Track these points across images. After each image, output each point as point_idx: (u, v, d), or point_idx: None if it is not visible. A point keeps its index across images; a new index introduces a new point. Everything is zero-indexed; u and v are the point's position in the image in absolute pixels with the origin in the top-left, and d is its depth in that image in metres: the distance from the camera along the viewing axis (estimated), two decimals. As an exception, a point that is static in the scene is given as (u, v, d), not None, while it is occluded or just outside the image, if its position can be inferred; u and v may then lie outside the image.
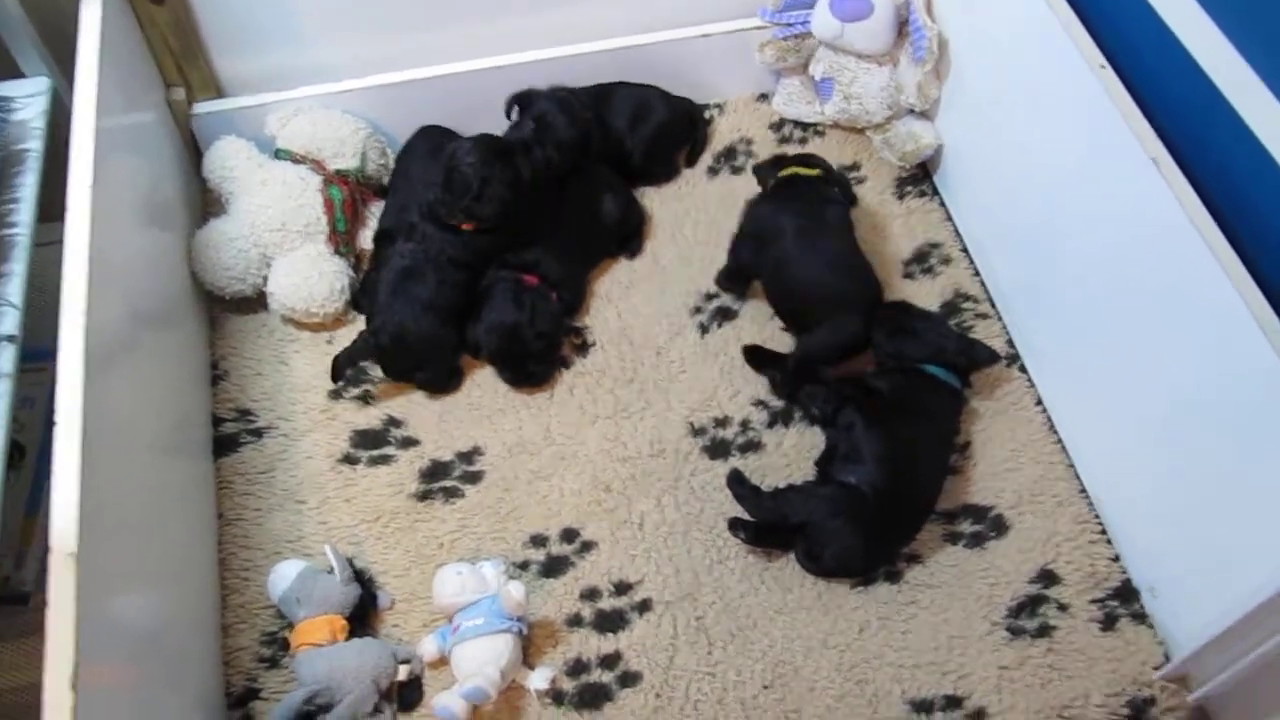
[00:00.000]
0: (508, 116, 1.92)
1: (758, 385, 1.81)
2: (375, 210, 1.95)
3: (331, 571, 1.56)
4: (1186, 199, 1.42)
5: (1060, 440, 1.75)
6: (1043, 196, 1.74)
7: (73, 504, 1.16)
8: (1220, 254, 1.37)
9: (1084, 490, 1.70)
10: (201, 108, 1.93)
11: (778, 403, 1.79)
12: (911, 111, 2.01)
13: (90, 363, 1.27)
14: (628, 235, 1.96)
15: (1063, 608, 1.60)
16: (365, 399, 1.79)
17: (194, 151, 1.95)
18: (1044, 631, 1.58)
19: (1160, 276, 1.48)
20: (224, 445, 1.74)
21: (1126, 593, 1.61)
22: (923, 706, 1.52)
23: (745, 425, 1.77)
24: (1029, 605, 1.60)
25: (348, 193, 1.86)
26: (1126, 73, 1.56)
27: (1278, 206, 1.38)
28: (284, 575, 1.57)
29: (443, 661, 1.54)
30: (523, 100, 1.90)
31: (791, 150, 2.04)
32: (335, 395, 1.79)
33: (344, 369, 1.76)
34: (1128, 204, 1.52)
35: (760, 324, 1.88)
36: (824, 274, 1.77)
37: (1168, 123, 1.52)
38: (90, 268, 1.33)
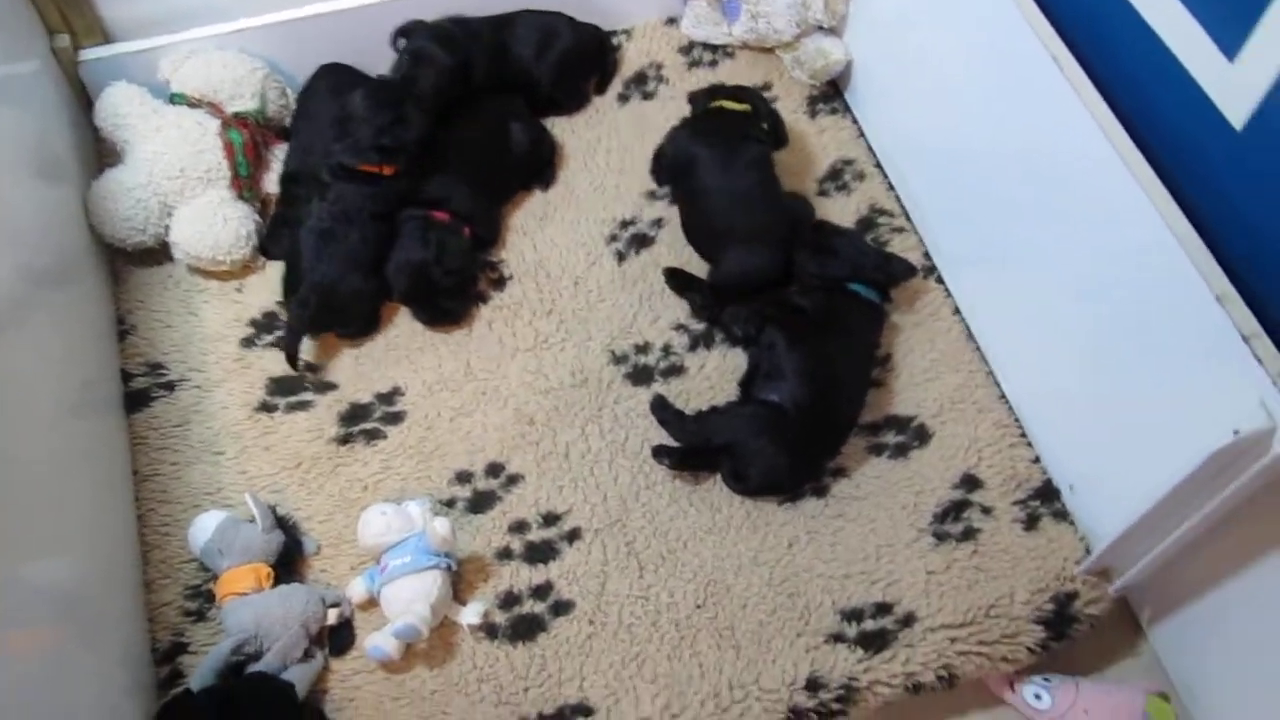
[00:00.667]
0: (394, 49, 1.88)
1: (678, 310, 1.80)
2: (278, 153, 1.89)
3: (253, 521, 1.53)
4: (1087, 95, 1.43)
5: (979, 348, 1.77)
6: (950, 107, 1.74)
7: (-45, 468, 1.12)
8: (1123, 150, 1.39)
9: (1003, 396, 1.73)
10: (89, 54, 1.86)
11: (698, 326, 1.78)
12: (820, 28, 2.00)
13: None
14: (539, 166, 1.94)
15: (986, 510, 1.63)
16: (279, 345, 1.75)
17: (85, 100, 1.88)
18: (969, 535, 1.60)
19: (1066, 176, 1.50)
20: (136, 400, 1.70)
21: (1047, 492, 1.64)
22: (853, 615, 1.54)
23: (667, 350, 1.76)
24: (953, 510, 1.63)
25: (248, 136, 1.81)
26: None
27: (1177, 102, 1.39)
28: (204, 527, 1.54)
29: (372, 603, 1.52)
30: (405, 32, 1.87)
31: (702, 72, 2.03)
32: (248, 343, 1.76)
33: (295, 352, 1.71)
34: (1032, 106, 1.53)
35: (677, 250, 1.86)
36: (730, 207, 1.76)
37: (1069, 23, 1.53)
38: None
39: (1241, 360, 1.25)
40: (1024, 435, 1.69)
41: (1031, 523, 1.62)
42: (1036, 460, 1.67)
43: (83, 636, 1.36)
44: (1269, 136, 1.29)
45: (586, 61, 2.02)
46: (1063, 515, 1.62)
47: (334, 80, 1.91)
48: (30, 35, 1.76)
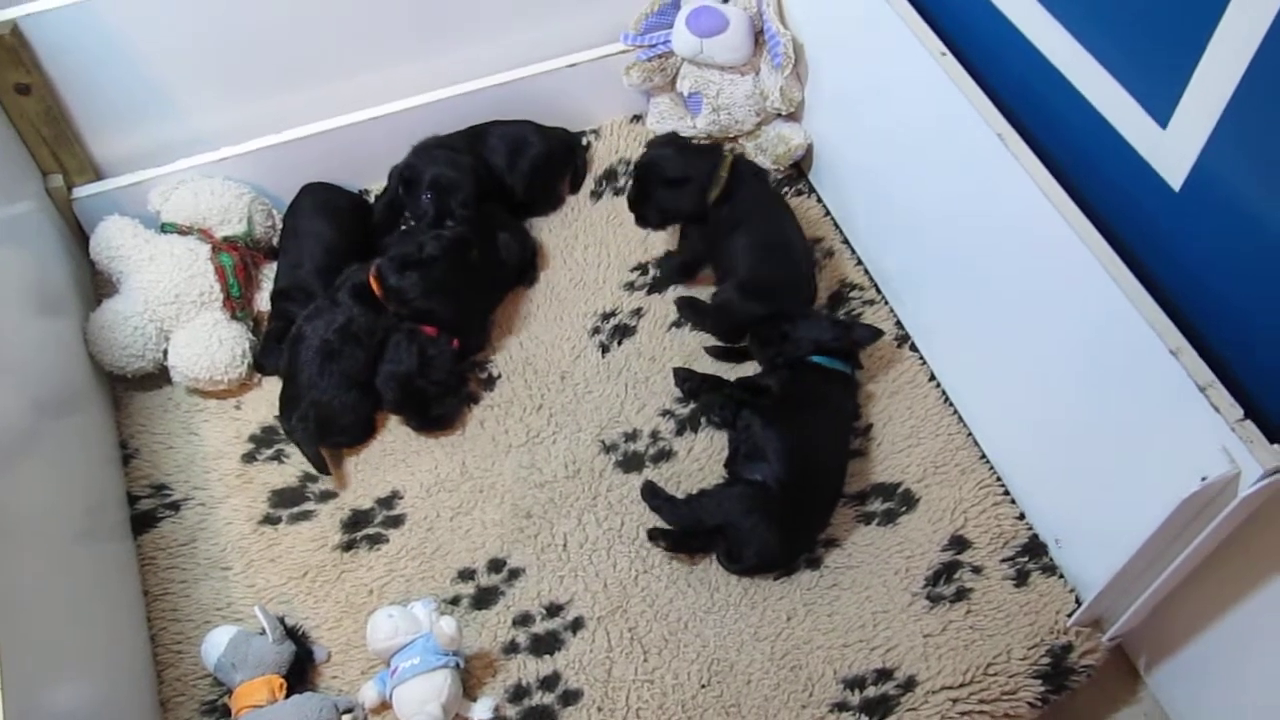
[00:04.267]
0: (390, 208, 1.96)
1: (663, 396, 1.86)
2: (268, 271, 1.96)
3: (264, 633, 1.56)
4: (1033, 168, 1.50)
5: (956, 411, 1.83)
6: (908, 182, 1.82)
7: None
8: (1070, 218, 1.46)
9: (984, 456, 1.78)
10: (81, 191, 1.93)
11: (684, 410, 1.84)
12: (779, 115, 2.09)
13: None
14: (523, 267, 2.00)
15: (976, 570, 1.67)
16: (279, 458, 1.80)
17: (80, 235, 1.95)
18: (961, 595, 1.64)
19: (1020, 245, 1.57)
20: (142, 522, 1.74)
21: (1035, 548, 1.68)
22: (856, 683, 1.57)
23: (655, 436, 1.82)
24: (945, 572, 1.66)
25: (238, 258, 1.88)
26: (968, 56, 1.65)
27: (1119, 168, 1.47)
28: (216, 643, 1.57)
29: (385, 706, 1.55)
30: (407, 175, 1.93)
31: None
32: (249, 458, 1.81)
33: (318, 459, 1.76)
34: (981, 180, 1.61)
35: (658, 338, 1.93)
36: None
37: (1012, 100, 1.61)
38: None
39: (1201, 410, 1.31)
40: (1007, 493, 1.74)
41: (1022, 579, 1.65)
42: (1021, 517, 1.71)
43: (104, 760, 1.39)
44: (1205, 195, 1.36)
45: (557, 165, 2.10)
46: (1051, 569, 1.66)
47: (317, 198, 1.99)
48: (25, 176, 1.84)
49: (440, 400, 1.80)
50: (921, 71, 1.66)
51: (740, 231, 1.87)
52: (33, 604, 1.34)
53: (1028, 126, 1.58)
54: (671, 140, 1.96)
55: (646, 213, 1.94)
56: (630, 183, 1.96)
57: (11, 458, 1.44)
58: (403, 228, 1.99)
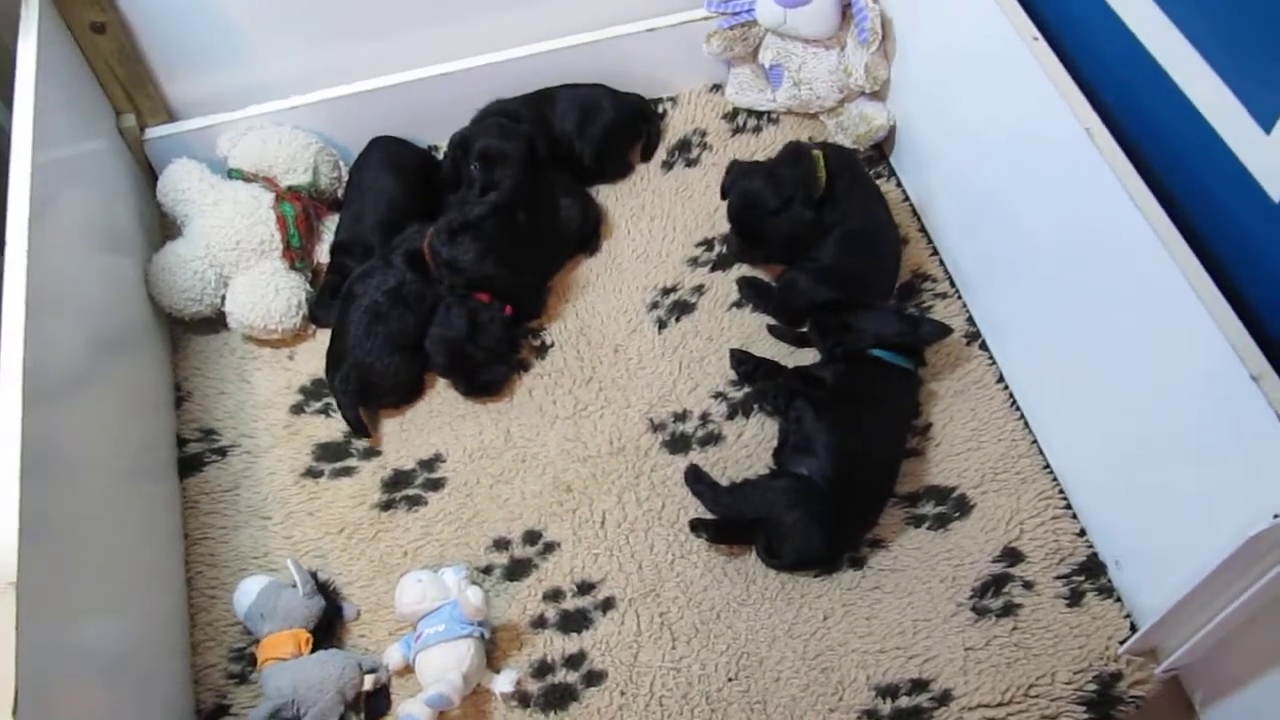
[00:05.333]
0: (454, 167, 1.92)
1: (717, 378, 1.81)
2: (330, 223, 1.96)
3: (295, 586, 1.57)
4: (1120, 167, 1.41)
5: (1023, 416, 1.74)
6: (992, 173, 1.73)
7: (11, 533, 1.17)
8: (1156, 224, 1.36)
9: (1048, 466, 1.69)
10: (153, 132, 1.94)
11: (737, 394, 1.79)
12: (863, 93, 2.00)
13: (33, 391, 1.28)
14: (586, 234, 1.96)
15: (1028, 585, 1.59)
16: (326, 412, 1.80)
17: (150, 176, 1.97)
18: (1009, 610, 1.57)
19: (1102, 248, 1.48)
20: (189, 465, 1.76)
21: (1092, 567, 1.60)
22: (888, 692, 1.51)
23: (705, 418, 1.77)
24: (994, 584, 1.59)
25: (300, 208, 1.87)
26: (1062, 44, 1.55)
27: (1215, 173, 1.37)
28: (248, 592, 1.58)
29: (409, 670, 1.54)
30: (463, 145, 1.89)
31: (746, 139, 2.07)
32: (297, 410, 1.81)
33: (356, 420, 1.76)
34: (1067, 176, 1.52)
35: (717, 317, 1.87)
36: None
37: (1104, 92, 1.51)
38: (28, 298, 1.34)
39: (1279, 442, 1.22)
40: (1069, 507, 1.65)
41: (1075, 599, 1.58)
42: (1082, 534, 1.63)
43: (131, 697, 1.40)
44: (1307, 210, 1.26)
45: (629, 133, 2.05)
46: (1108, 591, 1.58)
47: (385, 152, 1.97)
48: (98, 115, 1.86)
49: (489, 366, 1.78)
50: (1011, 55, 1.57)
51: (837, 227, 1.78)
52: (79, 535, 1.37)
53: (1120, 122, 1.48)
54: (749, 170, 1.82)
55: (768, 254, 1.85)
56: (731, 234, 1.86)
57: (70, 391, 1.47)
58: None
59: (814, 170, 1.76)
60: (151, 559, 1.60)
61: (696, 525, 1.63)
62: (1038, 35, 1.54)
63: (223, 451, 1.77)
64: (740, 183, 1.80)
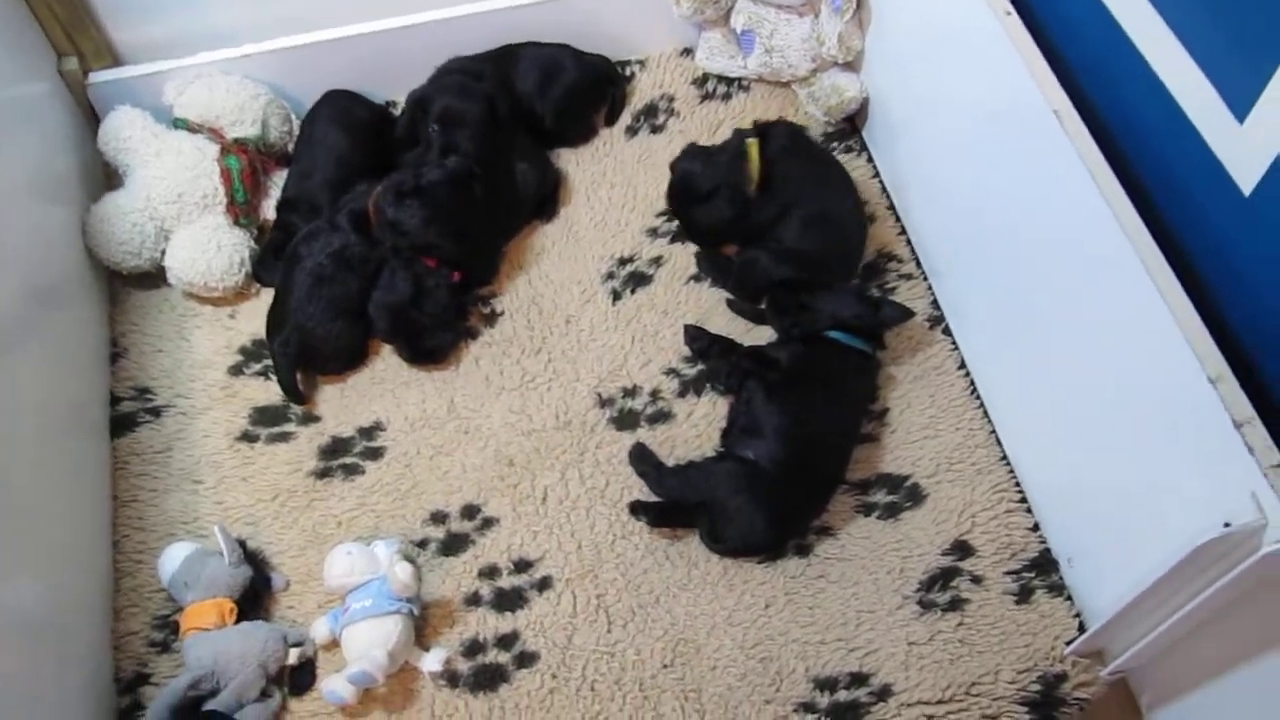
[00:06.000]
0: (411, 125, 1.84)
1: (670, 354, 1.75)
2: (278, 179, 1.88)
3: (221, 554, 1.52)
4: (1087, 152, 1.35)
5: (982, 405, 1.69)
6: (961, 152, 1.67)
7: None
8: (1120, 212, 1.31)
9: (1005, 458, 1.65)
10: (97, 77, 1.86)
11: (690, 371, 1.73)
12: (836, 64, 1.93)
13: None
14: (543, 199, 1.90)
15: (976, 580, 1.55)
16: (266, 374, 1.74)
17: (93, 122, 1.89)
18: (956, 605, 1.53)
19: (1067, 238, 1.42)
20: (121, 425, 1.70)
21: (1044, 564, 1.56)
22: (827, 684, 1.47)
23: (655, 395, 1.71)
24: (942, 578, 1.55)
25: (246, 162, 1.80)
26: (1036, 20, 1.48)
27: (1186, 161, 1.31)
28: (173, 558, 1.53)
29: (335, 644, 1.50)
30: (421, 104, 1.82)
31: (714, 105, 2.00)
32: (236, 371, 1.75)
33: (292, 385, 1.70)
34: (1034, 158, 1.46)
35: (674, 290, 1.81)
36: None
37: (1077, 72, 1.45)
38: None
39: (1235, 448, 1.17)
40: (1024, 501, 1.61)
41: (1024, 595, 1.53)
42: (1035, 529, 1.59)
43: (48, 661, 1.36)
44: (1276, 203, 1.20)
45: (593, 95, 1.98)
46: (1058, 589, 1.53)
47: (336, 107, 1.90)
48: (38, 57, 1.78)
49: (434, 333, 1.72)
50: (983, 30, 1.50)
51: (790, 211, 1.73)
52: (3, 492, 1.32)
53: (1092, 105, 1.41)
54: (691, 151, 1.79)
55: (699, 240, 1.83)
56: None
57: (1, 343, 1.41)
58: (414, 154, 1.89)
59: (744, 155, 1.71)
60: (77, 520, 1.56)
61: (637, 508, 1.58)
62: (1010, 10, 1.48)
63: (157, 411, 1.72)
64: (681, 163, 1.78)
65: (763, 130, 1.75)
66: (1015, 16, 1.47)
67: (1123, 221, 1.29)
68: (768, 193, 1.72)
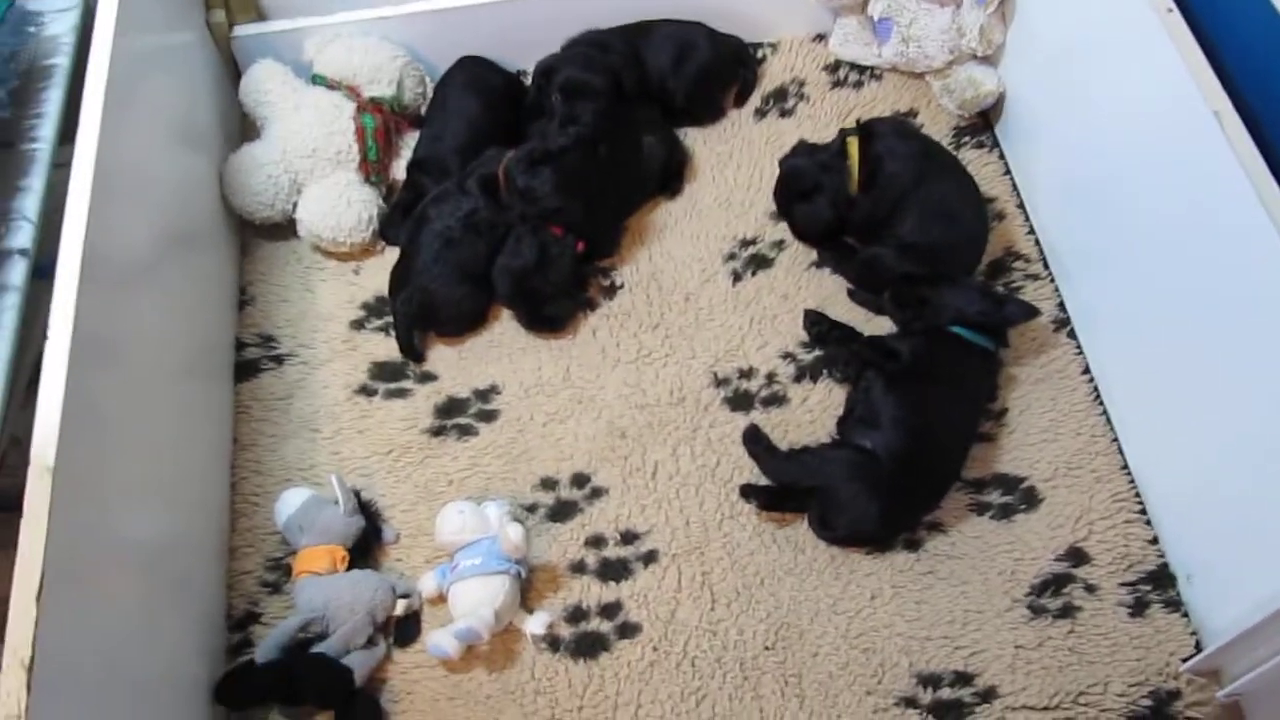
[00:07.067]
0: (538, 94, 1.86)
1: (787, 338, 1.74)
2: (410, 140, 1.91)
3: (336, 503, 1.55)
4: (1247, 157, 1.30)
5: (1105, 412, 1.65)
6: (1106, 153, 1.63)
7: (54, 418, 1.16)
8: (1280, 221, 1.26)
9: (1126, 466, 1.60)
10: (241, 30, 1.91)
11: (806, 357, 1.72)
12: (974, 57, 1.89)
13: (92, 276, 1.26)
14: (669, 175, 1.90)
15: (1090, 589, 1.51)
16: (386, 330, 1.77)
17: (235, 75, 1.94)
18: (1067, 612, 1.50)
19: (1218, 242, 1.37)
20: (245, 370, 1.75)
21: (1161, 578, 1.52)
22: (930, 681, 1.46)
23: (771, 378, 1.71)
24: (1054, 584, 1.52)
25: (380, 121, 1.83)
26: (1198, 19, 1.44)
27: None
28: (289, 502, 1.57)
29: (441, 599, 1.52)
30: (548, 73, 1.84)
31: (845, 93, 1.99)
32: (358, 325, 1.78)
33: (409, 343, 1.73)
34: (1188, 162, 1.41)
35: (795, 275, 1.80)
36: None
37: (1240, 75, 1.40)
38: (94, 182, 1.32)
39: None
40: (1143, 512, 1.57)
41: (1139, 608, 1.50)
42: (1154, 541, 1.54)
43: (164, 593, 1.40)
44: None
45: (724, 76, 1.97)
46: (1175, 605, 1.49)
47: (470, 73, 1.92)
48: (187, 7, 1.83)
49: (554, 301, 1.73)
50: (1140, 27, 1.46)
51: (904, 206, 1.70)
52: (135, 426, 1.36)
53: (1254, 110, 1.36)
54: (800, 148, 1.78)
55: (802, 238, 1.83)
56: None
57: (132, 281, 1.45)
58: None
59: (845, 165, 1.71)
60: (198, 459, 1.60)
61: (747, 491, 1.58)
62: (1172, 7, 1.43)
63: (279, 359, 1.75)
64: (788, 160, 1.78)
65: (867, 127, 1.73)
66: (1177, 14, 1.42)
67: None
68: (874, 190, 1.70)
